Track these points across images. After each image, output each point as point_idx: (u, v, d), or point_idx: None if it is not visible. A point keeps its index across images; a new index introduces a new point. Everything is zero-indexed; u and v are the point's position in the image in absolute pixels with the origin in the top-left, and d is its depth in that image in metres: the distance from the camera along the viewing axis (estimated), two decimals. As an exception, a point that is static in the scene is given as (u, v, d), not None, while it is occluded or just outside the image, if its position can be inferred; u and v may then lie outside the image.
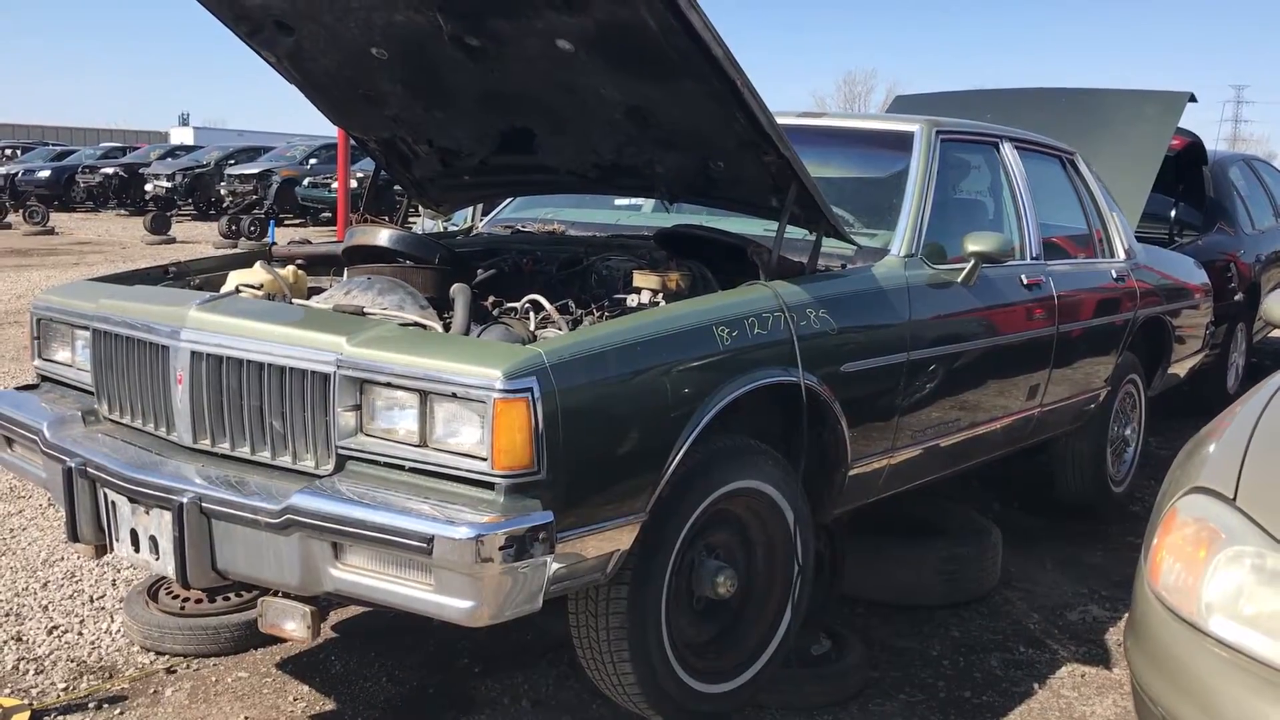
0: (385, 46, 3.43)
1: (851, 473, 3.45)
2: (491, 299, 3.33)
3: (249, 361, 2.74)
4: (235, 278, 3.57)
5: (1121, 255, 5.24)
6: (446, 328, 3.04)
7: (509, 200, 4.74)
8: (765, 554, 3.23)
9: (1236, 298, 7.52)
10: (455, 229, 4.92)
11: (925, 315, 3.66)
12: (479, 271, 3.73)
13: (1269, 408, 2.53)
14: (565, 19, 2.95)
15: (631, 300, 3.34)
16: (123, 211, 26.94)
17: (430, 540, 2.34)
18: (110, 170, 27.61)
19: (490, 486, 2.44)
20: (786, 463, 3.19)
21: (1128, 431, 5.55)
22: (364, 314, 3.00)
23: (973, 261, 3.83)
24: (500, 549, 2.33)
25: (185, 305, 2.89)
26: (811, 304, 3.22)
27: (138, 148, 31.92)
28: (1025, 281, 4.29)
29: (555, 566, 2.47)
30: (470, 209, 5.15)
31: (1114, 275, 5.06)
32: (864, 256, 3.70)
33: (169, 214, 22.74)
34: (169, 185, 24.96)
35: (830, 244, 3.63)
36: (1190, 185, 7.67)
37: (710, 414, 2.83)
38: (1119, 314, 5.03)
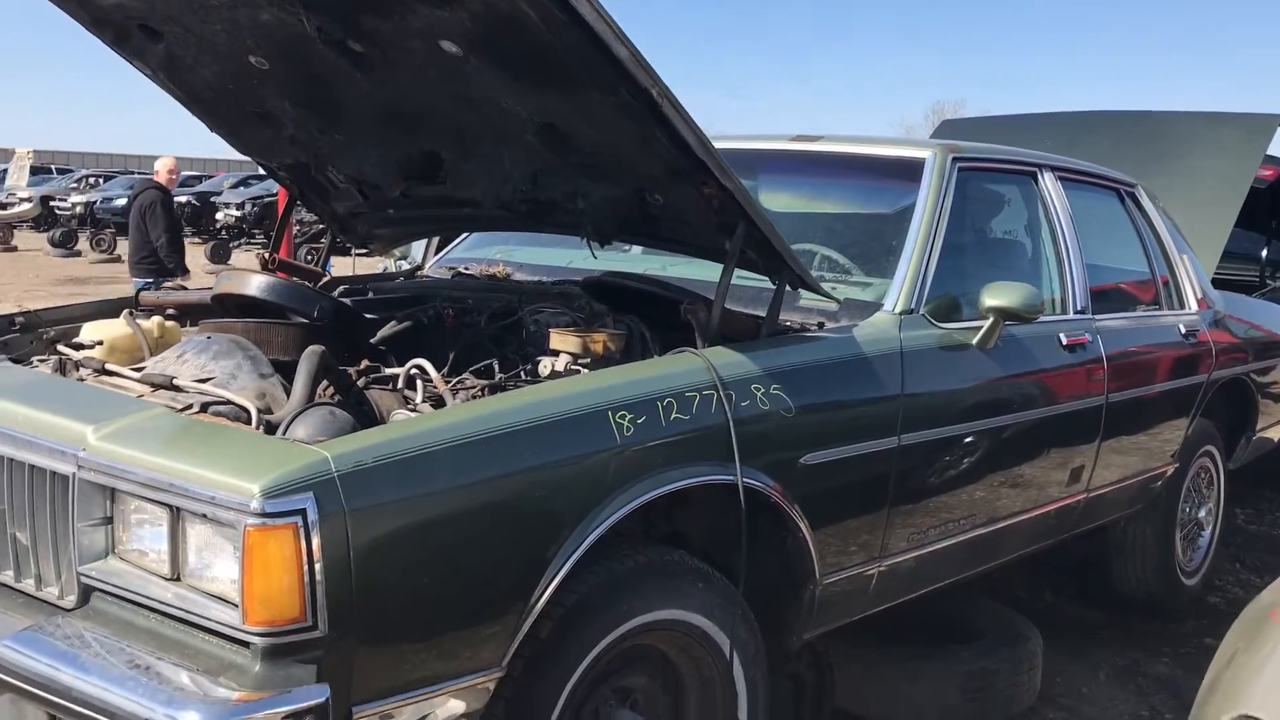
0: (263, 54, 2.83)
1: (824, 587, 2.72)
2: (366, 364, 2.67)
3: None
4: (90, 330, 2.98)
5: (1193, 305, 4.42)
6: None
7: (462, 238, 4.10)
8: (701, 700, 2.51)
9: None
10: (406, 269, 4.28)
11: (925, 388, 2.91)
12: (392, 325, 3.08)
13: None
14: (441, 14, 2.31)
15: (544, 367, 2.65)
16: (196, 240, 27.04)
17: (145, 728, 1.67)
18: (183, 199, 27.74)
19: (245, 646, 1.76)
20: (727, 583, 2.47)
21: (1202, 513, 4.71)
22: (173, 386, 2.36)
23: (992, 319, 3.08)
24: (240, 744, 1.65)
25: None
26: (758, 377, 2.50)
27: (213, 176, 32.16)
28: (1065, 341, 3.51)
29: None
30: (423, 247, 4.52)
31: (1182, 330, 4.24)
32: (850, 313, 2.97)
33: (234, 243, 22.69)
34: (238, 214, 24.99)
35: (811, 297, 2.91)
36: (1283, 221, 6.77)
37: (599, 529, 2.13)
38: (1189, 376, 4.21)
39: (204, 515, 1.80)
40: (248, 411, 2.23)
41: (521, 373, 2.74)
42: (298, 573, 1.73)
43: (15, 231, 23.88)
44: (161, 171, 8.66)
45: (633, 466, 2.20)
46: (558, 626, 2.14)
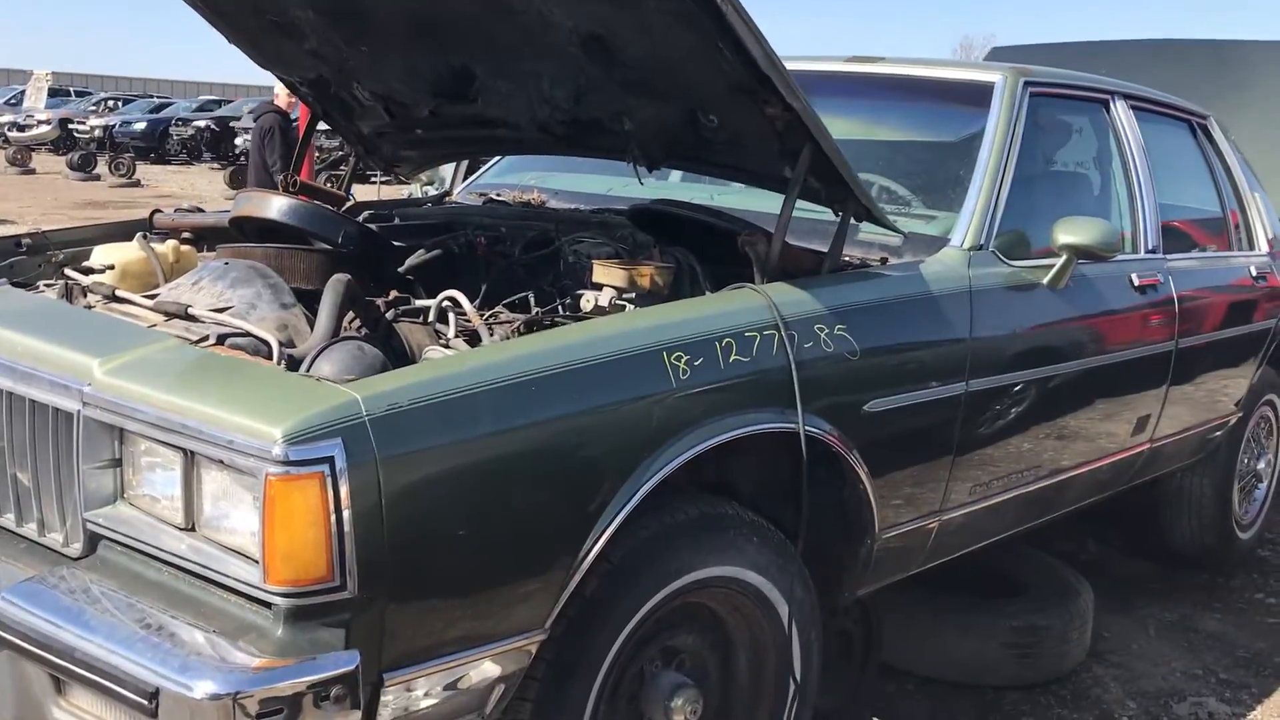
0: (285, -43, 2.61)
1: (883, 542, 2.53)
2: (395, 295, 2.48)
3: None
4: (101, 254, 2.80)
5: (1264, 246, 4.18)
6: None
7: (494, 161, 3.87)
8: (751, 661, 2.35)
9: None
10: (434, 194, 4.06)
11: (995, 330, 2.70)
12: (420, 253, 2.88)
13: None
14: None
15: (586, 301, 2.46)
16: (215, 165, 26.81)
17: (154, 695, 1.50)
18: (202, 123, 27.51)
19: (267, 606, 1.59)
20: (782, 538, 2.28)
21: (1261, 464, 4.50)
22: (188, 316, 2.17)
23: (1065, 258, 2.86)
24: (260, 716, 1.48)
25: None
26: (823, 316, 2.30)
27: (232, 100, 31.80)
28: (1137, 282, 3.28)
29: None
30: (452, 172, 4.30)
31: (1253, 272, 4.01)
32: (915, 248, 2.75)
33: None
34: (258, 140, 24.67)
35: (872, 230, 2.70)
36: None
37: (653, 480, 1.94)
38: (1258, 321, 3.99)
39: (221, 461, 1.62)
40: (268, 344, 2.04)
41: (560, 307, 2.56)
42: (324, 527, 1.55)
43: (33, 154, 23.66)
44: (281, 96, 8.43)
45: (689, 412, 2.01)
46: (605, 584, 1.97)
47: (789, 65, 2.19)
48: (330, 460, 1.56)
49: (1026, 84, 3.11)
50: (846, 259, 2.62)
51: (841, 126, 3.48)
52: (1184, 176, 3.98)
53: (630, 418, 1.92)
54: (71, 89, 36.49)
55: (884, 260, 2.69)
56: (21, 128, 25.05)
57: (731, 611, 2.29)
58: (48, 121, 25.54)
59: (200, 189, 21.20)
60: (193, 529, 1.70)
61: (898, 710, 3.21)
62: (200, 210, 3.10)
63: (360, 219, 3.35)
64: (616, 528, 1.89)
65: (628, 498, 1.91)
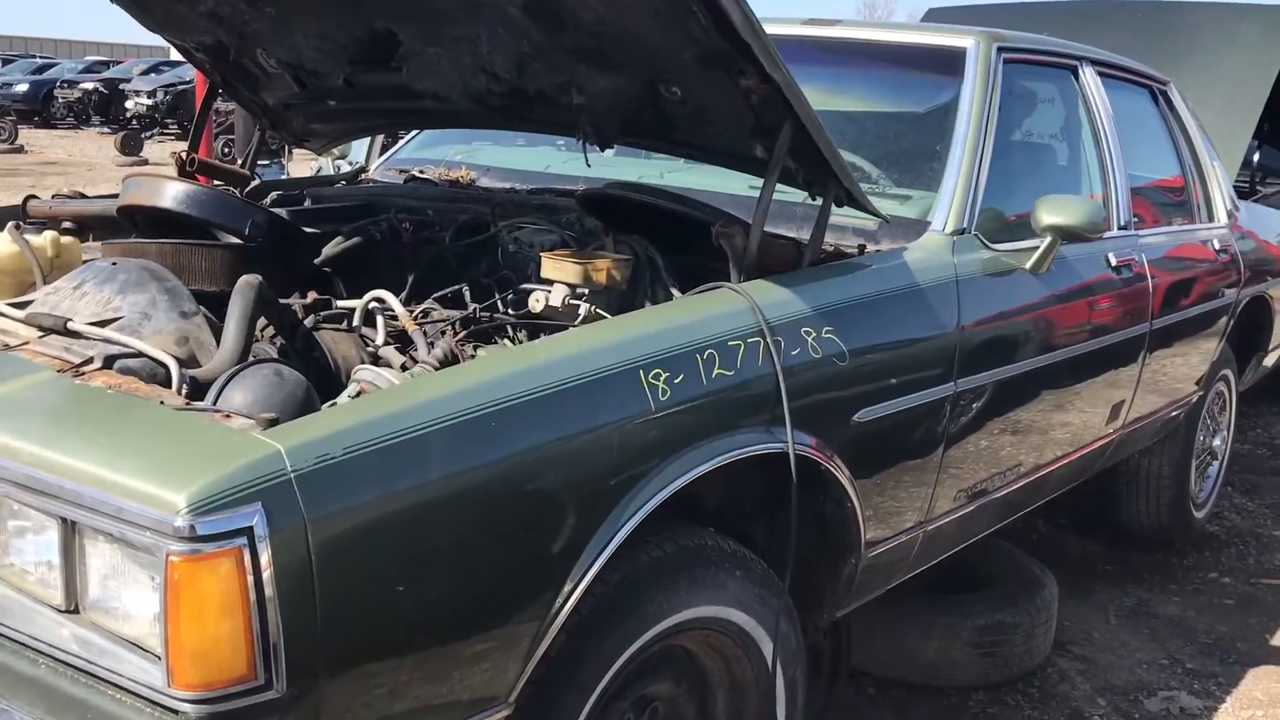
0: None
1: (867, 560, 2.29)
2: (314, 296, 2.16)
3: None
4: (-34, 248, 2.41)
5: (1223, 217, 4.02)
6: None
7: (411, 135, 3.52)
8: (730, 703, 2.09)
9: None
10: (348, 170, 3.69)
11: (981, 323, 2.47)
12: (338, 242, 2.55)
13: None
14: None
15: (536, 301, 2.16)
16: (105, 130, 25.67)
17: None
18: (90, 85, 26.29)
19: (174, 714, 1.28)
20: (766, 569, 2.02)
21: (1216, 441, 4.37)
22: (67, 331, 1.82)
23: (1049, 240, 2.63)
24: None
25: None
26: (810, 317, 2.03)
27: (121, 62, 30.46)
28: (1114, 262, 3.08)
29: None
30: (368, 146, 3.93)
31: (1216, 245, 3.85)
32: (892, 233, 2.50)
33: (146, 134, 21.47)
34: (150, 103, 23.62)
35: (846, 213, 2.43)
36: (1277, 123, 6.37)
37: (631, 521, 1.66)
38: (1222, 296, 3.83)
39: (108, 533, 1.29)
40: (167, 367, 1.71)
41: (499, 303, 2.26)
42: (243, 615, 1.24)
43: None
44: None
45: (668, 438, 1.73)
46: (572, 640, 1.69)
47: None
48: (248, 531, 1.25)
49: (1000, 49, 2.87)
50: (825, 248, 2.36)
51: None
52: (1146, 146, 3.79)
53: (604, 449, 1.64)
54: (-53, 50, 34.70)
55: (862, 248, 2.43)
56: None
57: (710, 653, 2.03)
58: (-80, 84, 24.29)
59: (90, 154, 20.25)
60: (76, 610, 1.37)
61: (862, 716, 3.02)
62: (83, 196, 2.72)
63: (267, 202, 3.00)
64: (591, 579, 1.61)
65: (603, 544, 1.63)
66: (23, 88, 26.60)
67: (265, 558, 1.25)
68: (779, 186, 2.29)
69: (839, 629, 2.83)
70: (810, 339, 2.00)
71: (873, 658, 3.13)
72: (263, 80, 2.91)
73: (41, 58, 33.48)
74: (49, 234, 2.54)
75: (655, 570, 1.82)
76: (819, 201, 2.27)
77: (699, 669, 2.05)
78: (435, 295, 2.32)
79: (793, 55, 3.13)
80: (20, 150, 19.94)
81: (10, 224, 2.53)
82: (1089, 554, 4.22)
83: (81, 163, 18.63)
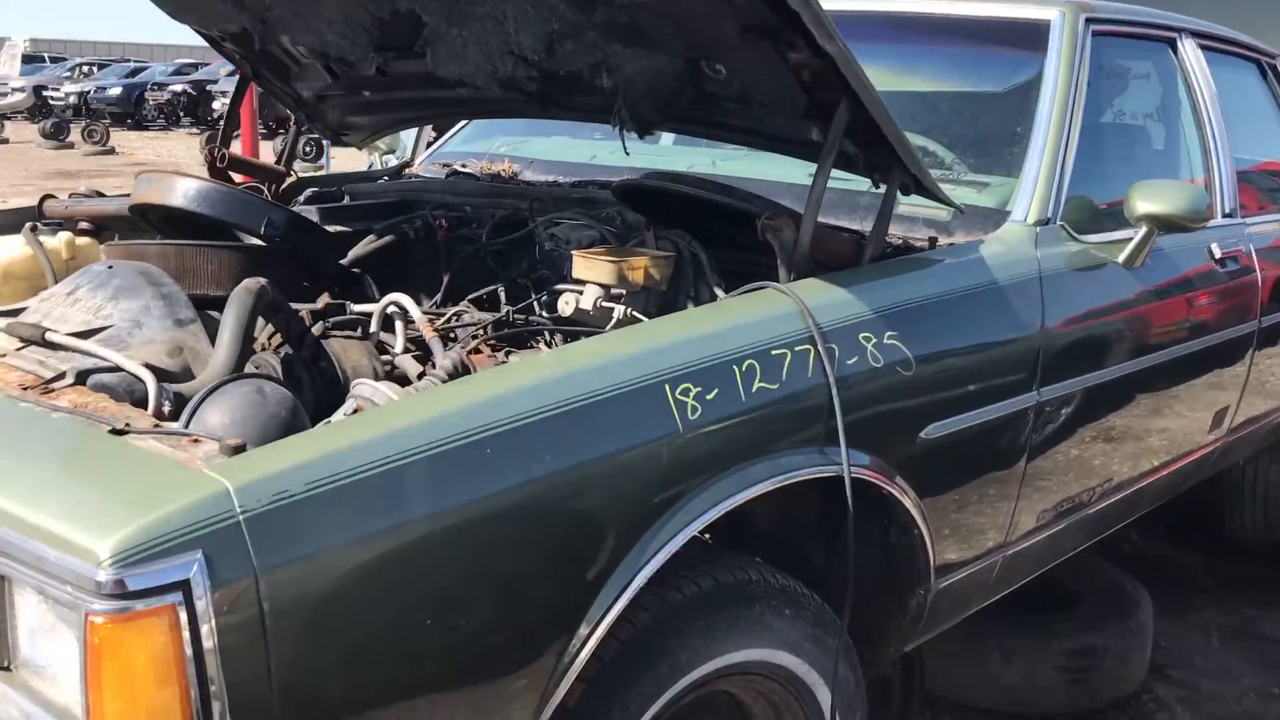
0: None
1: (939, 590, 2.06)
2: (327, 301, 1.99)
3: None
4: (-20, 251, 2.31)
5: (1338, 203, 3.68)
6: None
7: (459, 126, 3.36)
8: (779, 754, 1.87)
9: None
10: (392, 166, 3.53)
11: (1069, 324, 2.21)
12: (367, 242, 2.40)
13: None
14: None
15: (565, 304, 1.96)
16: (194, 131, 26.17)
17: None
18: (179, 87, 26.88)
19: None
20: (820, 604, 1.80)
21: (1330, 449, 4.02)
22: (44, 342, 1.67)
23: (1145, 230, 2.36)
24: None
25: None
26: (870, 321, 1.80)
27: (209, 64, 31.05)
28: (1218, 254, 2.79)
29: None
30: (414, 138, 3.77)
31: (1332, 235, 3.51)
32: (968, 224, 2.25)
33: (236, 133, 21.77)
34: (239, 102, 24.04)
35: (915, 202, 2.20)
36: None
37: (656, 559, 1.45)
38: (1339, 290, 3.49)
39: (38, 587, 1.12)
40: (143, 383, 1.54)
41: (535, 304, 2.08)
42: (178, 685, 1.06)
43: (7, 123, 22.99)
44: None
45: (700, 463, 1.52)
46: (592, 691, 1.48)
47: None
48: (184, 585, 1.06)
49: (1088, 20, 2.60)
50: (889, 241, 2.12)
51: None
52: (1253, 126, 3.47)
53: (621, 480, 1.43)
54: (46, 55, 35.64)
55: (933, 241, 2.19)
56: (-4, 97, 24.48)
57: (756, 698, 1.81)
58: (22, 89, 24.94)
59: (178, 155, 20.57)
60: (8, 668, 1.20)
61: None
62: (101, 195, 2.59)
63: (302, 199, 2.86)
64: (605, 631, 1.40)
65: (622, 585, 1.42)
66: (116, 91, 27.27)
67: (205, 616, 1.07)
68: (842, 174, 2.07)
69: (911, 660, 2.61)
70: (869, 345, 1.77)
71: (949, 683, 2.93)
72: (294, 71, 2.77)
73: (136, 62, 34.23)
74: (64, 235, 2.44)
75: (690, 610, 1.61)
76: (883, 189, 2.03)
77: (744, 716, 1.84)
78: (470, 297, 2.15)
79: (856, 32, 2.90)
80: (111, 152, 20.37)
81: (26, 226, 2.43)
82: (1187, 567, 3.94)
83: (169, 163, 18.93)
